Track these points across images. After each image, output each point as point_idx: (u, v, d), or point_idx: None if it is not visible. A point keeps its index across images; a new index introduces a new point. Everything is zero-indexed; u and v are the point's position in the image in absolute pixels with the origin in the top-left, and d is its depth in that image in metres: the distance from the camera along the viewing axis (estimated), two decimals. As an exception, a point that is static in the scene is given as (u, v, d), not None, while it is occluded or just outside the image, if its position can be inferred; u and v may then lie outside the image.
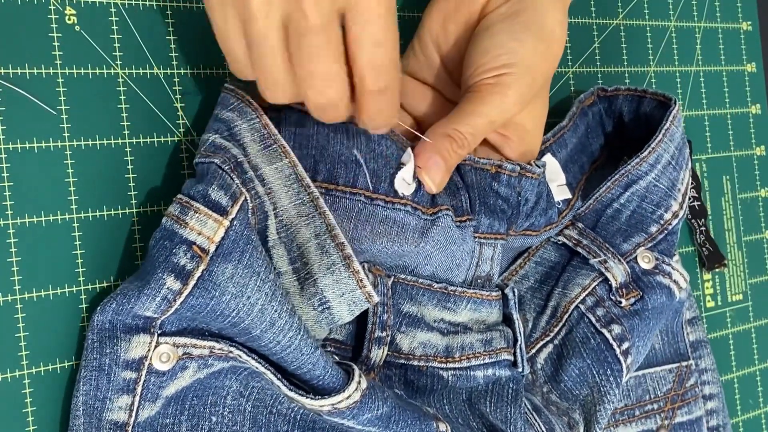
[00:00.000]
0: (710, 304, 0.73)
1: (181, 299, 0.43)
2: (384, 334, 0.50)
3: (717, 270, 0.73)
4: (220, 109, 0.48)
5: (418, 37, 0.56)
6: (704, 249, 0.72)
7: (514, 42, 0.51)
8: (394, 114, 0.46)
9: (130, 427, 0.44)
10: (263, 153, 0.47)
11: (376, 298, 0.47)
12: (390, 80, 0.44)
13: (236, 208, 0.45)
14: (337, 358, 0.49)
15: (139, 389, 0.44)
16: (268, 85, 0.44)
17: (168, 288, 0.43)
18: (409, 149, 0.50)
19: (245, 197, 0.46)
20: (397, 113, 0.46)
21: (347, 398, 0.45)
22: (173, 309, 0.44)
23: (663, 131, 0.59)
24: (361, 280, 0.47)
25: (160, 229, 0.45)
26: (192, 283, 0.43)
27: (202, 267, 0.44)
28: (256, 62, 0.43)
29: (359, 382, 0.46)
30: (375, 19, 0.42)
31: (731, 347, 0.74)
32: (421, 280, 0.52)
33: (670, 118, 0.59)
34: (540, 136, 0.56)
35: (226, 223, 0.44)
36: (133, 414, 0.44)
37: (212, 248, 0.44)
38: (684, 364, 0.64)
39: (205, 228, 0.44)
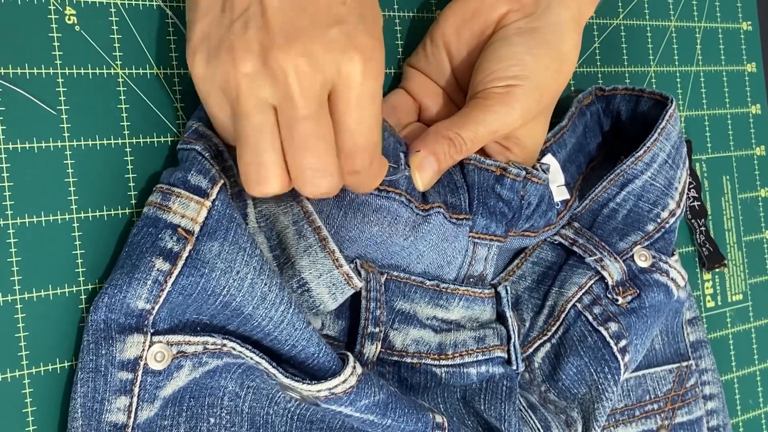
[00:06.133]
0: (710, 304, 0.73)
1: (172, 280, 0.44)
2: (377, 329, 0.50)
3: (717, 270, 0.73)
4: None
5: (431, 37, 0.56)
6: (704, 249, 0.72)
7: (529, 56, 0.51)
8: (371, 185, 0.47)
9: (130, 429, 0.44)
10: None
11: (356, 281, 0.47)
12: (365, 162, 0.44)
13: (216, 189, 0.45)
14: None
15: (136, 390, 0.44)
16: (259, 179, 0.43)
17: (158, 270, 0.44)
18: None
19: (224, 182, 0.46)
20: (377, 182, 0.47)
21: (343, 382, 0.45)
22: (165, 293, 0.44)
23: (659, 130, 0.59)
24: (337, 260, 0.47)
25: (142, 218, 0.45)
26: (181, 263, 0.44)
27: (189, 247, 0.44)
28: (243, 155, 0.43)
29: (354, 367, 0.46)
30: (359, 98, 0.42)
31: (731, 347, 0.74)
32: (413, 277, 0.52)
33: (666, 117, 0.59)
34: (536, 153, 0.56)
35: (208, 203, 0.45)
36: (132, 415, 0.44)
37: (197, 228, 0.44)
38: (684, 364, 0.64)
39: (188, 210, 0.44)
